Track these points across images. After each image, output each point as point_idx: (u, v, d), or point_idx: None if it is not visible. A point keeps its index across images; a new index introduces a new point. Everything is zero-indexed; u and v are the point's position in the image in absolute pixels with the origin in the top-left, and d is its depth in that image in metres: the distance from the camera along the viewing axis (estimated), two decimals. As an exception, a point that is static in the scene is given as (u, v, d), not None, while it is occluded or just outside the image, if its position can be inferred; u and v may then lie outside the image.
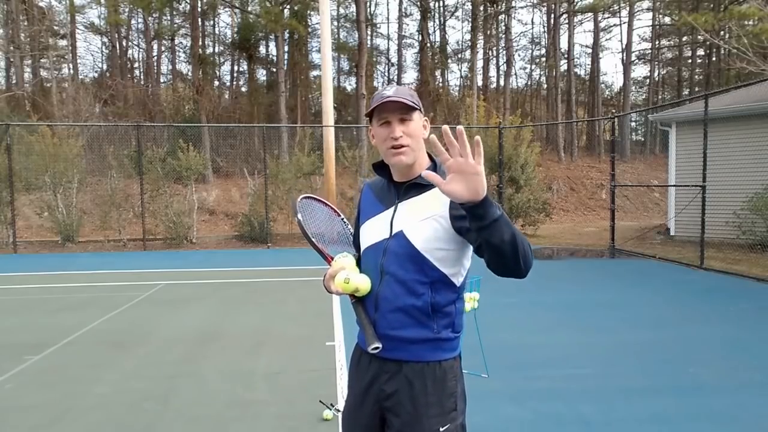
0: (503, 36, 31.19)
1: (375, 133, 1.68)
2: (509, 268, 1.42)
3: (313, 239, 1.81)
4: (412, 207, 1.65)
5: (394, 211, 1.68)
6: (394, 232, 1.66)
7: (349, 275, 1.66)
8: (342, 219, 1.96)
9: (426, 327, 1.63)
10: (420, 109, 1.66)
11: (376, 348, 1.60)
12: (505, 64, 30.94)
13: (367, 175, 15.30)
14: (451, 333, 1.67)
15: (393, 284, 1.63)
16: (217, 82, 30.54)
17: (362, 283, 1.66)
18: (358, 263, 1.77)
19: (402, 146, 1.61)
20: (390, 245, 1.65)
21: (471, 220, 1.39)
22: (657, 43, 34.64)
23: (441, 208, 1.59)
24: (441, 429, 1.60)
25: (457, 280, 1.66)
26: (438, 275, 1.62)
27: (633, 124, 33.91)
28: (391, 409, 1.64)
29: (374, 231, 1.72)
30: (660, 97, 36.25)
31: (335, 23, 31.48)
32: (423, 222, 1.61)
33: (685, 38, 32.01)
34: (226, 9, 30.37)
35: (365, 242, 1.75)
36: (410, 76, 49.09)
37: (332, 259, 1.78)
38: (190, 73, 27.35)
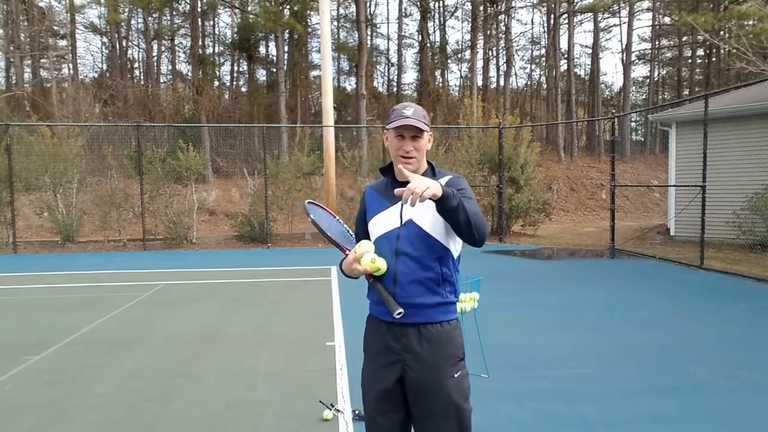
0: (503, 36, 31.21)
1: (390, 140, 2.08)
2: (467, 237, 1.95)
3: (328, 233, 2.15)
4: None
5: (402, 205, 2.04)
6: (404, 221, 2.05)
7: (374, 256, 2.00)
8: (338, 220, 2.29)
9: (437, 293, 2.02)
10: (428, 130, 2.07)
11: (400, 313, 1.94)
12: (504, 64, 30.98)
13: (367, 175, 15.31)
14: (453, 297, 2.08)
15: (408, 262, 2.01)
16: (217, 82, 30.56)
17: (384, 263, 2.01)
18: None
19: (410, 158, 2.04)
20: (402, 232, 2.04)
21: (437, 209, 1.89)
22: (657, 43, 34.65)
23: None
24: (455, 375, 2.00)
25: (455, 253, 2.09)
26: (442, 250, 2.03)
27: (633, 124, 33.96)
28: (412, 365, 1.99)
29: (384, 222, 2.09)
30: (660, 97, 36.26)
31: (335, 23, 31.49)
32: (426, 210, 2.00)
33: (685, 38, 32.01)
34: (226, 9, 30.40)
35: (377, 232, 2.11)
36: (410, 76, 49.20)
37: (347, 249, 2.11)
38: (190, 73, 27.37)
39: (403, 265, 2.01)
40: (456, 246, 2.08)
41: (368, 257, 2.00)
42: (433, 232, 2.02)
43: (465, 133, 15.29)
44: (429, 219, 2.01)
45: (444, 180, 2.05)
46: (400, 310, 1.94)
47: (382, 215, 2.11)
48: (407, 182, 1.89)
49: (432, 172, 2.12)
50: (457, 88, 34.60)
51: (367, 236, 2.17)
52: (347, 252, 2.10)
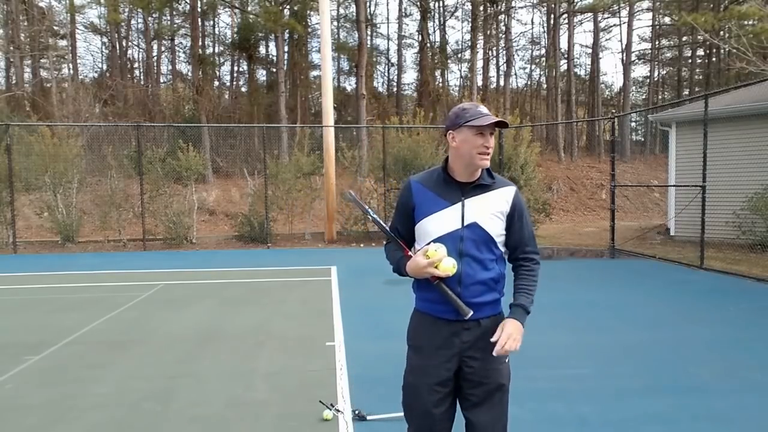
0: (503, 36, 31.20)
1: (466, 138, 2.10)
2: None
3: (381, 222, 2.30)
4: (480, 203, 2.14)
5: (462, 206, 2.13)
6: (467, 223, 2.12)
7: (453, 261, 2.07)
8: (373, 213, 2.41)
9: (494, 291, 2.19)
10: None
11: (471, 313, 2.09)
12: (504, 64, 30.96)
13: (367, 175, 15.30)
14: (502, 292, 2.25)
15: (472, 263, 2.12)
16: (217, 82, 30.54)
17: (456, 267, 2.10)
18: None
19: (489, 153, 2.12)
20: (465, 233, 2.12)
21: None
22: (657, 43, 34.63)
23: (504, 206, 2.16)
24: (506, 360, 2.21)
25: (506, 256, 2.25)
26: (500, 253, 2.19)
27: (633, 124, 33.93)
28: (471, 354, 2.15)
29: (445, 222, 2.13)
30: (660, 97, 36.25)
31: (335, 23, 31.48)
32: (492, 215, 2.14)
33: (685, 38, 31.99)
34: (226, 9, 30.39)
35: (436, 232, 2.14)
36: (410, 76, 49.17)
37: (409, 252, 2.18)
38: (190, 73, 27.35)
39: (468, 267, 2.11)
40: (506, 249, 2.25)
41: (449, 262, 2.05)
42: (496, 237, 2.15)
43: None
44: (492, 224, 2.14)
45: (509, 192, 2.17)
46: (471, 312, 2.09)
47: (441, 214, 2.14)
48: (473, 182, 2.14)
49: (490, 175, 2.18)
50: (457, 88, 34.62)
51: (409, 232, 2.22)
52: (409, 254, 2.17)
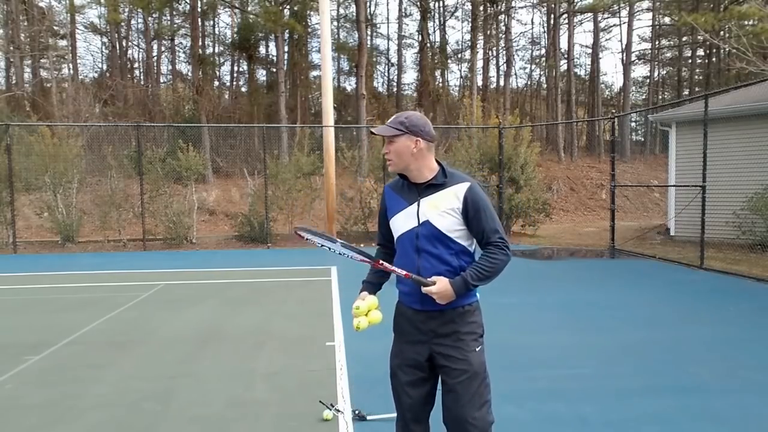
0: (503, 36, 31.18)
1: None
2: None
3: (352, 253, 2.37)
4: (432, 202, 2.27)
5: (418, 205, 2.28)
6: (421, 221, 2.27)
7: (364, 321, 2.36)
8: (332, 239, 2.41)
9: None
10: (407, 132, 2.26)
11: (435, 283, 2.22)
12: (504, 64, 30.96)
13: (367, 175, 15.32)
14: None
15: (429, 258, 2.26)
16: (217, 82, 30.54)
17: (377, 319, 2.39)
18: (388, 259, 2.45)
19: (389, 160, 2.30)
20: (420, 231, 2.27)
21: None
22: (657, 43, 34.63)
23: (455, 202, 2.24)
24: (477, 348, 2.29)
25: (471, 249, 2.33)
26: (460, 247, 2.28)
27: (633, 124, 33.93)
28: (440, 342, 2.28)
29: (404, 221, 2.31)
30: (660, 97, 36.25)
31: (335, 23, 31.47)
32: (443, 213, 2.25)
33: (685, 38, 31.99)
34: (226, 9, 30.38)
35: (399, 230, 2.34)
36: (410, 76, 49.17)
37: (373, 262, 2.35)
38: (190, 73, 27.36)
39: (425, 261, 2.26)
40: (470, 242, 2.33)
41: (363, 321, 2.34)
42: (448, 232, 2.25)
43: (465, 133, 15.29)
44: (444, 221, 2.24)
45: (460, 188, 2.25)
46: (434, 281, 2.22)
47: (401, 214, 2.33)
48: (424, 183, 2.28)
49: (443, 174, 2.29)
50: (457, 88, 34.63)
51: (389, 232, 2.42)
52: (379, 264, 2.35)
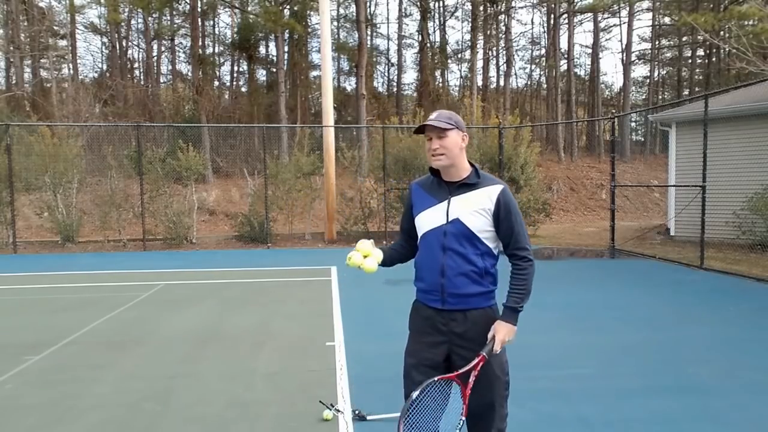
0: (503, 36, 31.19)
1: (426, 144, 2.40)
2: None
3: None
4: (464, 200, 2.29)
5: (448, 203, 2.29)
6: (450, 219, 2.28)
7: (363, 261, 2.37)
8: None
9: (480, 284, 2.30)
10: (457, 128, 2.29)
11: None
12: (504, 64, 30.96)
13: (367, 175, 15.31)
14: (493, 286, 2.36)
15: (455, 257, 2.27)
16: (217, 82, 30.54)
17: (372, 267, 2.37)
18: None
19: (439, 154, 2.27)
20: (449, 228, 2.27)
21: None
22: (657, 43, 34.63)
23: (488, 203, 2.27)
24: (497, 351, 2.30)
25: (496, 251, 2.36)
26: (487, 248, 2.30)
27: (633, 124, 33.93)
28: (460, 344, 2.30)
29: (432, 218, 2.32)
30: (660, 97, 36.25)
31: (335, 23, 31.48)
32: (474, 212, 2.27)
33: (685, 38, 31.99)
34: (226, 9, 30.39)
35: (425, 227, 2.34)
36: (410, 76, 49.16)
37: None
38: (190, 73, 27.36)
39: (450, 260, 2.27)
40: (496, 244, 2.35)
41: (357, 256, 2.36)
42: (478, 232, 2.27)
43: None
44: (474, 220, 2.26)
45: (494, 190, 2.27)
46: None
47: (429, 211, 2.34)
48: (458, 182, 2.30)
49: (476, 175, 2.32)
50: (457, 88, 34.64)
51: (412, 228, 2.42)
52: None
